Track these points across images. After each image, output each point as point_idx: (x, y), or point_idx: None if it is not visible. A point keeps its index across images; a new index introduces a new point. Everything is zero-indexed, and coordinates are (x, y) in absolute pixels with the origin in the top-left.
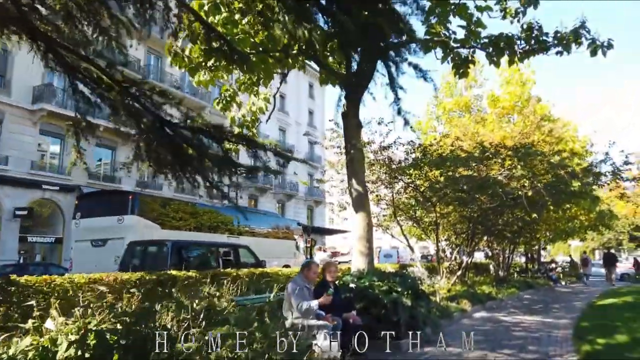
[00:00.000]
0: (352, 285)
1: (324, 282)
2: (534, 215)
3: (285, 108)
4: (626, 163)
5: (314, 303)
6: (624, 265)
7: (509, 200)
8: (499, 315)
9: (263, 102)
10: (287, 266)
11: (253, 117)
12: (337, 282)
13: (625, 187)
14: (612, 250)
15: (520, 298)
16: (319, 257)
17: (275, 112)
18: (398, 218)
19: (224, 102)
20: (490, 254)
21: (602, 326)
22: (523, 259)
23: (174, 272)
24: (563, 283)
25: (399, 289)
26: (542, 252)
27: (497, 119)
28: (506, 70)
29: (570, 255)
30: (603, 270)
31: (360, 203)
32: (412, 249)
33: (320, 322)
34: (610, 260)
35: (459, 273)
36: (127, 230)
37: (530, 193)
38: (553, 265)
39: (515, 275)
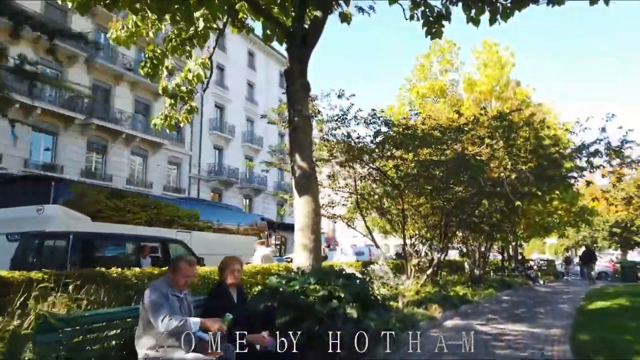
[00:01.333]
0: (280, 289)
1: (220, 288)
2: (517, 203)
3: (225, 82)
4: (625, 142)
5: (194, 321)
6: (600, 263)
7: (488, 187)
8: (475, 323)
9: (200, 68)
10: (247, 264)
11: (190, 87)
12: (243, 287)
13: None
14: (589, 248)
15: (498, 300)
16: (260, 253)
17: (212, 86)
18: (362, 209)
19: (149, 66)
20: (465, 250)
21: (606, 341)
22: (499, 257)
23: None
24: (541, 282)
25: (342, 295)
26: (519, 250)
27: (474, 104)
28: (484, 52)
29: (555, 254)
30: (579, 268)
31: (305, 185)
32: (376, 244)
33: (196, 357)
34: (589, 258)
35: (429, 272)
36: (47, 222)
37: (513, 176)
38: (531, 263)
39: (492, 273)
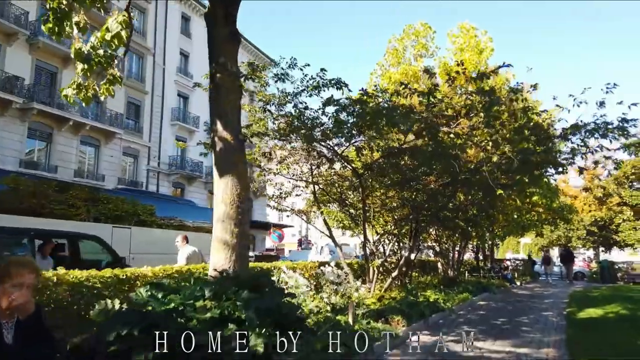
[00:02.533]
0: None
1: None
2: (499, 191)
3: (189, 69)
4: (624, 120)
5: None
6: (577, 263)
7: (464, 174)
8: (448, 341)
9: (120, 27)
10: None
11: (111, 51)
12: (43, 312)
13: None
14: (567, 248)
15: (475, 306)
16: (185, 252)
17: (174, 74)
18: (323, 201)
19: (53, 21)
20: (438, 249)
21: None
22: (474, 257)
23: None
24: (518, 283)
25: (244, 316)
26: (494, 249)
27: (450, 92)
28: (461, 36)
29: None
30: (556, 269)
31: (228, 162)
32: (335, 242)
33: None
34: (567, 258)
35: (394, 274)
36: None
37: (495, 158)
38: (507, 263)
39: (467, 274)
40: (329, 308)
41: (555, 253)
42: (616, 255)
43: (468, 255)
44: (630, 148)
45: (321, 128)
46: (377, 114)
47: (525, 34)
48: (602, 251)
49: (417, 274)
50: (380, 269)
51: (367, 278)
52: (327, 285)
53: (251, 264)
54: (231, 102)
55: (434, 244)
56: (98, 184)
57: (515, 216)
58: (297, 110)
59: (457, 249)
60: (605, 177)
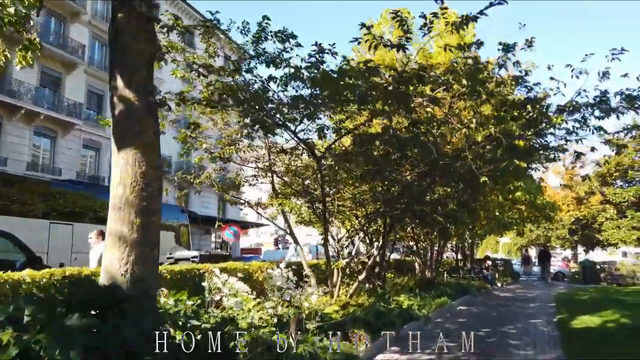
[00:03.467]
0: None
1: None
2: (483, 179)
3: None
4: (631, 97)
5: None
6: (556, 263)
7: (445, 160)
8: None
9: None
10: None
11: (25, 11)
12: None
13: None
14: (545, 248)
15: (454, 312)
16: (98, 251)
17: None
18: (285, 194)
19: None
20: (415, 248)
21: None
22: (454, 257)
23: None
24: (499, 284)
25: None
26: (474, 249)
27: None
28: (440, 20)
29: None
30: (536, 269)
31: (131, 128)
32: (296, 240)
33: None
34: (545, 257)
35: (362, 277)
36: None
37: (480, 138)
38: (488, 263)
39: (446, 275)
40: (276, 320)
41: (534, 253)
42: (595, 255)
43: (448, 255)
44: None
45: (273, 100)
46: (326, 79)
47: (513, 34)
48: (584, 250)
49: (392, 275)
50: (347, 271)
51: (330, 282)
52: (274, 293)
53: (194, 266)
54: (139, 51)
55: (411, 242)
56: (54, 178)
57: (497, 213)
58: (231, 70)
59: (435, 248)
60: (587, 173)
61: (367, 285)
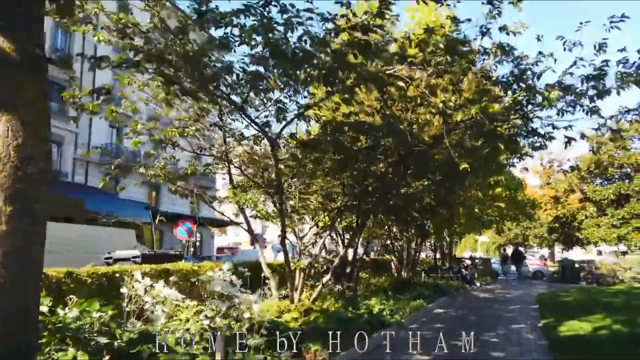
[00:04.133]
0: None
1: None
2: (464, 165)
3: None
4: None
5: None
6: (534, 262)
7: (422, 147)
8: None
9: None
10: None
11: None
12: None
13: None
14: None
15: (430, 316)
16: None
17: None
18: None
19: None
20: (390, 246)
21: None
22: (432, 256)
23: None
24: (478, 284)
25: None
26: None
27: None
28: (420, 10)
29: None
30: (514, 268)
31: (7, 87)
32: (253, 236)
33: None
34: (518, 258)
35: (326, 278)
36: None
37: (460, 117)
38: (467, 262)
39: (423, 275)
40: (212, 336)
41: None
42: (573, 254)
43: (426, 254)
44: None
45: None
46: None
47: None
48: (563, 249)
49: (367, 276)
50: (311, 272)
51: (291, 285)
52: (212, 300)
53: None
54: None
55: (387, 240)
56: None
57: (477, 210)
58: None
59: (412, 246)
60: (574, 164)
61: (337, 287)
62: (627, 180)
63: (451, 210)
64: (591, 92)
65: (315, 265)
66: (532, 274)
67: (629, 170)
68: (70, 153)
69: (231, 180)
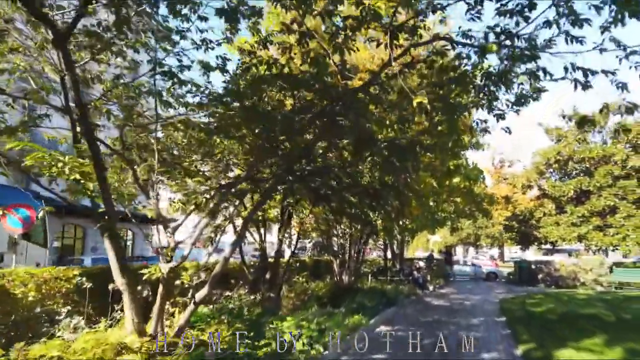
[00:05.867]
0: None
1: None
2: (418, 99)
3: None
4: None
5: None
6: (486, 262)
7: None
8: None
9: None
10: None
11: None
12: None
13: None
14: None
15: (371, 337)
16: None
17: None
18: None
19: None
20: (331, 246)
21: None
22: (383, 256)
23: None
24: (431, 288)
25: None
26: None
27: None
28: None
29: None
30: (468, 269)
31: None
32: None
33: None
34: (448, 259)
35: (203, 293)
36: None
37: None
38: (420, 263)
39: (370, 278)
40: None
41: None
42: (524, 254)
43: (377, 255)
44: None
45: None
46: None
47: None
48: (521, 249)
49: (304, 280)
50: (177, 282)
51: (131, 306)
52: None
53: None
54: None
55: (327, 238)
56: None
57: (432, 203)
58: None
59: (357, 246)
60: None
61: (251, 297)
62: (587, 176)
63: (401, 198)
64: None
65: (183, 273)
66: (486, 275)
67: (588, 165)
68: None
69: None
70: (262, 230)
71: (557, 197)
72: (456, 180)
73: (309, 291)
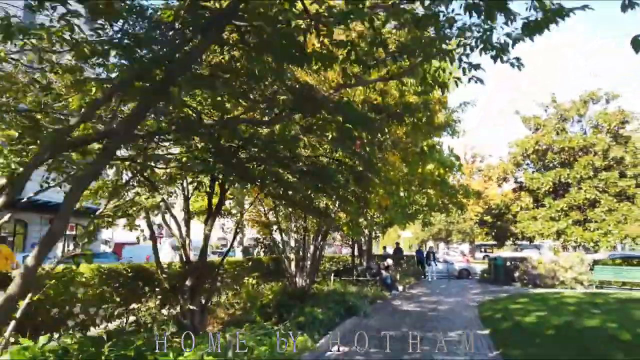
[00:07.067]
0: None
1: None
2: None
3: None
4: None
5: None
6: (458, 258)
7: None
8: None
9: None
10: None
11: None
12: None
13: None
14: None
15: None
16: None
17: None
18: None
19: None
20: (281, 242)
21: None
22: (350, 253)
23: None
24: (401, 288)
25: None
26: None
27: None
28: None
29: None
30: (441, 266)
31: None
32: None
33: None
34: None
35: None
36: None
37: None
38: (388, 262)
39: (332, 280)
40: None
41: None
42: (499, 251)
43: (345, 252)
44: None
45: None
46: None
47: None
48: (496, 245)
49: (254, 282)
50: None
51: None
52: None
53: None
54: None
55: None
56: None
57: (403, 194)
58: None
59: (315, 243)
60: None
61: (165, 311)
62: (567, 168)
63: (361, 182)
64: None
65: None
66: (458, 273)
67: (568, 156)
68: None
69: None
70: (181, 221)
71: (535, 190)
72: (430, 166)
73: (250, 299)
